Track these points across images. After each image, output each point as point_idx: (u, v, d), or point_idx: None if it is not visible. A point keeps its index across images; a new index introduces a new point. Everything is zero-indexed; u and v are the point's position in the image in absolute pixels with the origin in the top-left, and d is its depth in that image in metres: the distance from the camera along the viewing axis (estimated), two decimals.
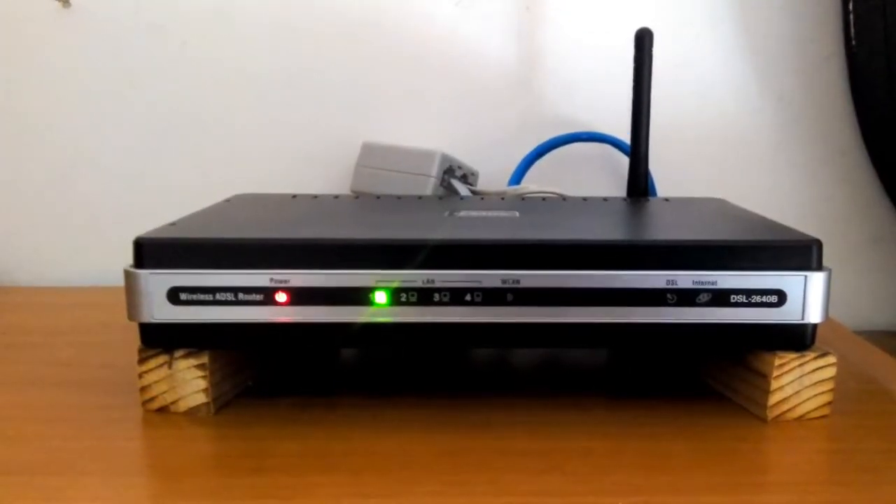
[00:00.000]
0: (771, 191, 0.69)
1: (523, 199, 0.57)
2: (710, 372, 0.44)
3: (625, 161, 0.62)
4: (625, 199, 0.56)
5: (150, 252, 0.38)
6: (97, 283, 0.67)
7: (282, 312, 0.38)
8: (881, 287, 0.71)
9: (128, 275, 0.38)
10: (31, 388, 0.44)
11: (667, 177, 0.66)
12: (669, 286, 0.38)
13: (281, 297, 0.38)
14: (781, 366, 0.39)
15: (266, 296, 0.38)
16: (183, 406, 0.39)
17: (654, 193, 0.64)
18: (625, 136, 0.59)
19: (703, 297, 0.38)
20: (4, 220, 0.70)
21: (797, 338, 0.39)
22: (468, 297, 0.38)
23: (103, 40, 0.67)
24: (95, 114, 0.68)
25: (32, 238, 0.70)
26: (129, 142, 0.69)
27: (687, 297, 0.38)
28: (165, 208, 0.48)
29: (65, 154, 0.69)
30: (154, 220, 0.42)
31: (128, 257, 0.39)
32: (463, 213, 0.47)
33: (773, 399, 0.39)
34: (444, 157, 0.62)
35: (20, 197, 0.69)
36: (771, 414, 0.39)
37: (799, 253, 0.38)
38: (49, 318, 0.58)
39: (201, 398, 0.39)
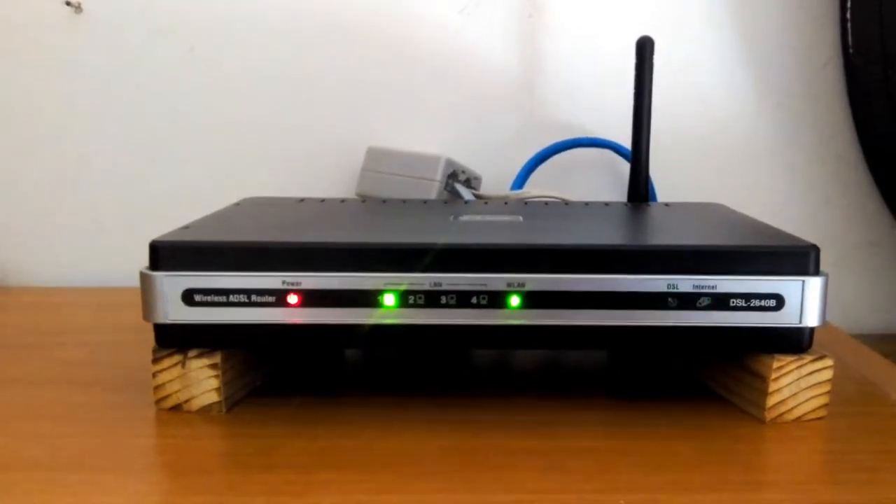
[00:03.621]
0: (769, 195, 0.70)
1: (526, 203, 0.58)
2: (709, 374, 0.45)
3: (626, 166, 0.63)
4: (626, 204, 0.57)
5: (165, 255, 0.39)
6: (106, 283, 0.68)
7: (293, 314, 0.39)
8: (878, 290, 0.71)
9: (143, 277, 0.39)
10: (45, 387, 0.45)
11: (667, 181, 0.67)
12: (670, 290, 0.38)
13: (293, 298, 0.38)
14: (779, 368, 0.39)
15: (278, 298, 0.38)
16: (195, 405, 0.40)
17: (654, 198, 0.65)
18: (626, 141, 0.60)
19: (703, 301, 0.38)
20: (15, 221, 0.71)
21: (795, 341, 0.39)
22: (474, 300, 0.38)
23: (113, 45, 0.68)
24: (104, 117, 0.69)
25: (42, 239, 0.71)
26: (137, 145, 0.69)
27: (687, 301, 0.39)
28: (172, 211, 0.48)
29: (74, 157, 0.70)
30: (161, 222, 0.43)
31: (135, 259, 0.39)
32: (467, 217, 0.48)
33: (771, 401, 0.40)
34: (449, 162, 0.63)
35: (31, 198, 0.70)
36: (769, 415, 0.40)
37: (797, 258, 0.39)
38: (59, 319, 0.59)
39: (213, 397, 0.40)
